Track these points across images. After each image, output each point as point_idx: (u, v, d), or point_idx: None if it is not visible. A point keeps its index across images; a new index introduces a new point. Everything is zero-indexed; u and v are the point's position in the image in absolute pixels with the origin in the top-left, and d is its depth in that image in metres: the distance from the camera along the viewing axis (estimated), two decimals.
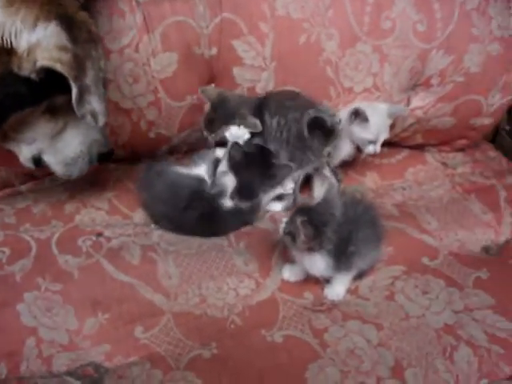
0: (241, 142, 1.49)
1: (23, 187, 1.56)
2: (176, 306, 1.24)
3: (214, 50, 1.52)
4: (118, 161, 1.61)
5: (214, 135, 1.52)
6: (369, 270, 1.34)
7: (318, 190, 1.20)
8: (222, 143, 1.54)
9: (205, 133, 1.53)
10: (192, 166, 1.51)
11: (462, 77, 1.66)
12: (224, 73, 1.57)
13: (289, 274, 1.32)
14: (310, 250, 1.20)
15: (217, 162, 1.51)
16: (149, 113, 1.55)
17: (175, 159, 1.67)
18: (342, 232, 1.21)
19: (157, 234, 1.42)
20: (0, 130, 1.20)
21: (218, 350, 1.15)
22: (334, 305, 1.27)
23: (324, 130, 1.47)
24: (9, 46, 1.05)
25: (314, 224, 1.17)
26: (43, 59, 1.06)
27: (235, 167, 1.45)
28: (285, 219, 1.22)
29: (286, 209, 1.52)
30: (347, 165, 1.68)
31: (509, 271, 1.40)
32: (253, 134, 1.51)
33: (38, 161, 1.30)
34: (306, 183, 1.59)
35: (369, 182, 1.72)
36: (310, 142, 1.48)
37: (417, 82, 1.68)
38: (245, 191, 1.43)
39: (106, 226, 1.44)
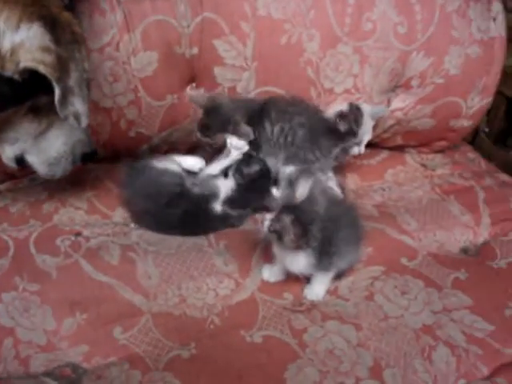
0: (242, 151, 1.48)
1: (1, 186, 1.54)
2: (155, 307, 1.24)
3: (195, 50, 1.52)
4: (98, 160, 1.59)
5: (211, 140, 1.51)
6: (348, 270, 1.35)
7: (302, 188, 1.20)
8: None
9: (198, 135, 1.52)
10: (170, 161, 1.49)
11: (441, 79, 1.67)
12: (205, 72, 1.57)
13: (268, 274, 1.32)
14: (297, 248, 1.20)
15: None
16: (129, 112, 1.54)
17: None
18: (325, 230, 1.21)
19: (136, 234, 1.41)
20: None
21: (197, 351, 1.14)
22: (314, 305, 1.27)
23: (339, 132, 1.51)
24: None
25: (301, 222, 1.17)
26: (26, 60, 1.05)
27: (241, 178, 1.46)
28: (269, 217, 1.21)
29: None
30: None
31: (487, 272, 1.41)
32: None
33: (20, 160, 1.29)
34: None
35: (349, 183, 1.72)
36: (323, 140, 1.51)
37: (397, 84, 1.69)
38: (241, 201, 1.44)
39: (84, 225, 1.42)
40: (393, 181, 1.76)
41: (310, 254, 1.21)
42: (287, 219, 1.16)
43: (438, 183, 1.74)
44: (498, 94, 1.86)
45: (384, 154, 1.85)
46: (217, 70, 1.56)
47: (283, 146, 1.52)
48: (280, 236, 1.18)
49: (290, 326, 1.21)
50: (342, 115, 1.50)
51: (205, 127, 1.49)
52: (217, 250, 1.38)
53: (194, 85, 1.60)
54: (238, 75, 1.57)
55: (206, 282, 1.29)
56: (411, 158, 1.85)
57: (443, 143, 1.85)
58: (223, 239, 1.42)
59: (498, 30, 1.68)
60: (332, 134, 1.53)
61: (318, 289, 1.29)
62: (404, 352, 1.17)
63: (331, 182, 1.58)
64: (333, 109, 1.58)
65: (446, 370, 1.15)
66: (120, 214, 1.49)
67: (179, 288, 1.28)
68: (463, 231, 1.54)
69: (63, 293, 1.23)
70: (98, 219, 1.46)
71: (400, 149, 1.86)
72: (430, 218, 1.56)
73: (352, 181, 1.73)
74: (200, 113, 1.51)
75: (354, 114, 1.50)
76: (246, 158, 1.49)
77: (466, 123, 1.78)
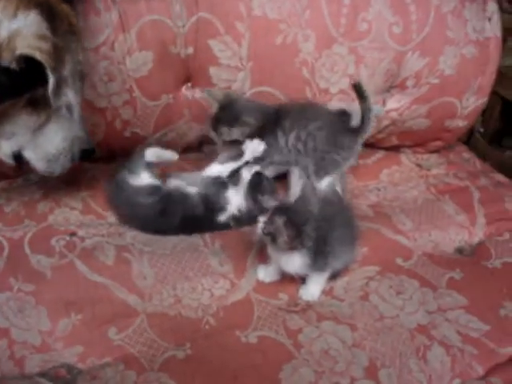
0: (257, 154, 1.48)
1: None
2: (150, 307, 1.24)
3: (190, 50, 1.52)
4: (93, 160, 1.59)
5: (217, 135, 1.51)
6: (343, 270, 1.35)
7: (295, 187, 1.20)
8: None
9: (211, 133, 1.53)
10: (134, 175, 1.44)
11: (436, 79, 1.67)
12: (200, 72, 1.57)
13: (264, 274, 1.31)
14: (292, 249, 1.20)
15: None
16: (124, 112, 1.54)
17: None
18: (320, 229, 1.21)
19: (131, 234, 1.41)
20: None
21: (193, 351, 1.14)
22: (309, 305, 1.27)
23: (351, 127, 1.53)
24: None
25: (294, 223, 1.17)
26: (22, 47, 1.04)
27: (254, 192, 1.44)
28: (262, 219, 1.21)
29: None
30: None
31: (482, 272, 1.41)
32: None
33: (18, 157, 1.28)
34: (283, 179, 1.60)
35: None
36: (342, 139, 1.52)
37: (392, 84, 1.69)
38: (248, 220, 1.41)
39: (79, 225, 1.42)
40: (388, 181, 1.76)
41: (305, 255, 1.21)
42: (280, 221, 1.16)
43: (433, 183, 1.74)
44: (493, 94, 1.87)
45: (379, 154, 1.85)
46: (212, 70, 1.56)
47: (310, 152, 1.52)
48: (274, 238, 1.18)
49: (285, 327, 1.21)
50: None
51: (216, 120, 1.50)
52: (212, 250, 1.38)
53: (189, 85, 1.60)
54: (234, 75, 1.57)
55: (201, 282, 1.29)
56: (406, 158, 1.86)
57: (438, 143, 1.86)
58: (219, 239, 1.41)
59: (493, 30, 1.68)
60: (348, 131, 1.53)
61: (313, 289, 1.29)
62: (399, 352, 1.17)
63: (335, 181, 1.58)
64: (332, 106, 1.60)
65: (440, 370, 1.15)
66: None
67: (174, 288, 1.27)
68: (458, 231, 1.55)
69: (58, 293, 1.23)
70: (93, 219, 1.46)
71: (395, 149, 1.87)
72: (425, 217, 1.56)
73: (347, 181, 1.73)
74: (214, 108, 1.51)
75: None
76: (259, 183, 1.46)
77: (461, 123, 1.79)
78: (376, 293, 1.30)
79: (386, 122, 1.74)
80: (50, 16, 1.08)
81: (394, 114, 1.73)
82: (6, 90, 1.12)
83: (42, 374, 1.09)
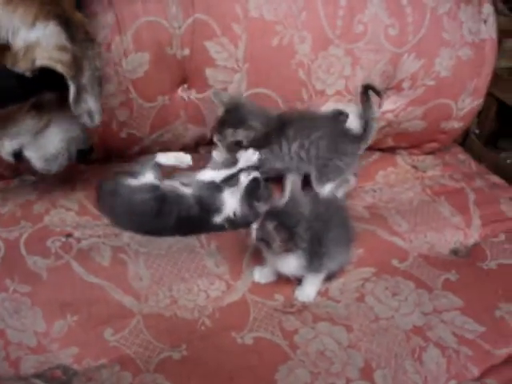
0: (251, 163, 1.49)
1: None
2: (146, 308, 1.24)
3: (187, 51, 1.52)
4: (90, 161, 1.59)
5: (222, 138, 1.51)
6: (339, 271, 1.35)
7: (288, 192, 1.21)
8: None
9: (214, 136, 1.53)
10: (138, 175, 1.45)
11: (432, 81, 1.68)
12: (196, 74, 1.57)
13: (259, 275, 1.32)
14: (286, 251, 1.20)
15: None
16: (120, 113, 1.54)
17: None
18: (313, 230, 1.21)
19: (127, 235, 1.41)
20: None
21: (188, 352, 1.14)
22: (305, 306, 1.27)
23: (353, 134, 1.55)
24: (4, 42, 1.04)
25: (285, 226, 1.17)
26: (43, 59, 1.05)
27: (250, 198, 1.45)
28: (255, 226, 1.21)
29: None
30: None
31: (477, 273, 1.42)
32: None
33: (18, 155, 1.29)
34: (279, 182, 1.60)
35: None
36: (344, 146, 1.53)
37: (388, 86, 1.70)
38: (243, 223, 1.42)
39: (75, 226, 1.42)
40: (384, 182, 1.76)
41: (300, 256, 1.21)
42: (271, 226, 1.17)
43: (428, 185, 1.75)
44: (489, 95, 1.88)
45: (375, 155, 1.85)
46: (208, 72, 1.56)
47: (307, 161, 1.52)
48: (268, 243, 1.19)
49: (280, 328, 1.21)
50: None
51: (221, 123, 1.50)
52: (208, 251, 1.38)
53: (185, 86, 1.59)
54: (230, 77, 1.57)
55: (197, 283, 1.29)
56: (402, 160, 1.86)
57: (434, 145, 1.86)
58: (214, 240, 1.42)
59: (489, 32, 1.69)
60: (351, 138, 1.55)
61: (308, 290, 1.29)
62: (395, 353, 1.17)
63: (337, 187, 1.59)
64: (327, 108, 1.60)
65: (436, 371, 1.16)
66: None
67: (170, 289, 1.27)
68: (454, 232, 1.55)
69: (54, 294, 1.23)
70: (89, 220, 1.45)
71: (391, 150, 1.87)
72: (421, 219, 1.57)
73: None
74: (220, 111, 1.51)
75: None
76: (255, 189, 1.48)
77: (456, 125, 1.79)
78: (372, 294, 1.31)
79: (381, 124, 1.73)
80: (68, 26, 1.09)
81: (389, 116, 1.73)
82: (15, 94, 1.13)
83: (38, 376, 1.09)
